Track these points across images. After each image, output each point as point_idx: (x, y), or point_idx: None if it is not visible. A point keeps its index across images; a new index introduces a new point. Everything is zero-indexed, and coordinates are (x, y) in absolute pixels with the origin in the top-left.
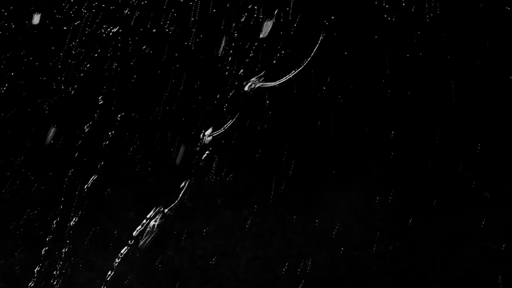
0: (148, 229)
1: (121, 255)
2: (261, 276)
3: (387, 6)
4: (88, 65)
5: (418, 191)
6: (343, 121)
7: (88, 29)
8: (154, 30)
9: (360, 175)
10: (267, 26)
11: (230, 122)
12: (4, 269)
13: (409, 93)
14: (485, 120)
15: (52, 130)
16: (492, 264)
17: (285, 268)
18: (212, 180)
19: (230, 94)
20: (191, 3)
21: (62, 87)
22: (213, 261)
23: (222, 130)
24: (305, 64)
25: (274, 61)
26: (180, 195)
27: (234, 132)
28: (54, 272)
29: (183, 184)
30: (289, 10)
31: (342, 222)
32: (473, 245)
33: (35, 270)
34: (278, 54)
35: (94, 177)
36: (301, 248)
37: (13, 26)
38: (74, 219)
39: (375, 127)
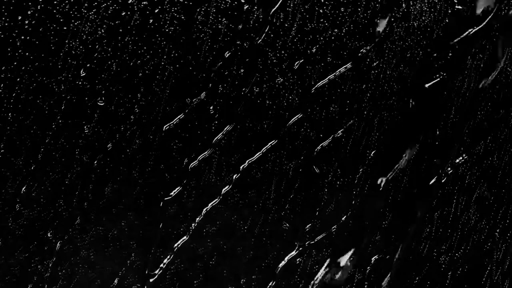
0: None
1: (121, 255)
2: (261, 276)
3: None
4: (88, 65)
5: (419, 191)
6: (342, 121)
7: (88, 29)
8: (154, 30)
9: (360, 174)
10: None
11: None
12: (4, 269)
13: (410, 94)
14: (485, 120)
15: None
16: (492, 264)
17: (285, 268)
18: (212, 180)
19: (231, 94)
20: (191, 3)
21: (62, 87)
22: (213, 261)
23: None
24: (298, 65)
25: (274, 61)
26: (180, 195)
27: (234, 132)
28: (54, 272)
29: (183, 184)
30: (289, 10)
31: (342, 222)
32: (473, 245)
33: (35, 270)
34: (278, 54)
35: (94, 177)
36: (301, 248)
37: (12, 25)
38: (74, 219)
39: (375, 127)
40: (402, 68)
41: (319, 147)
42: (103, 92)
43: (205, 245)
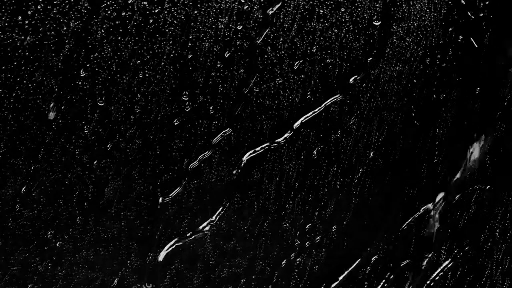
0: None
1: (121, 255)
2: (261, 276)
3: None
4: (88, 65)
5: (419, 190)
6: (342, 120)
7: (88, 30)
8: (154, 30)
9: (360, 174)
10: None
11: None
12: (4, 269)
13: (411, 94)
14: (485, 121)
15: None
16: (492, 263)
17: (285, 268)
18: (212, 180)
19: (231, 94)
20: (191, 3)
21: (62, 87)
22: (213, 261)
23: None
24: (298, 65)
25: (274, 61)
26: (180, 194)
27: (234, 132)
28: (54, 272)
29: (183, 183)
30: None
31: (342, 222)
32: (472, 244)
33: (35, 270)
34: (278, 55)
35: (94, 177)
36: (301, 248)
37: (12, 24)
38: (74, 219)
39: (375, 127)
40: (402, 68)
41: (319, 147)
42: (103, 92)
43: (205, 245)
